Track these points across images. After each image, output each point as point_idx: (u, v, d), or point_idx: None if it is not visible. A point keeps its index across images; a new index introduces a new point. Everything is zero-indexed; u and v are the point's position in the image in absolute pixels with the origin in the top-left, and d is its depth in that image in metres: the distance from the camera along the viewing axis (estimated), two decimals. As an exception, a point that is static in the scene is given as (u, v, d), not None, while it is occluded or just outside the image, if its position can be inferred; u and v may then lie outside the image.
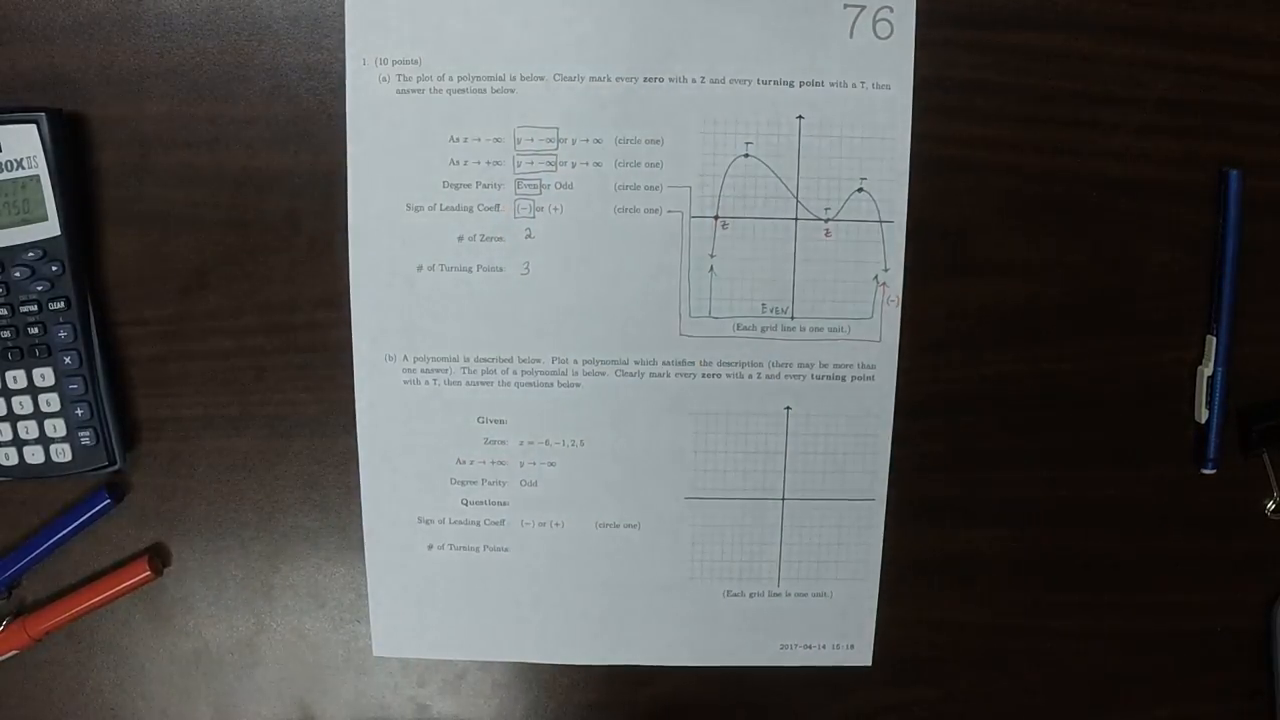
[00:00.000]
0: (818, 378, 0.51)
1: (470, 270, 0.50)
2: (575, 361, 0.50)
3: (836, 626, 0.53)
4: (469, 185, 0.49)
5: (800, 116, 0.49)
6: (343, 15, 0.48)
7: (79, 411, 0.49)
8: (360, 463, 0.51)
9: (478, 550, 0.52)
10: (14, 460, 0.49)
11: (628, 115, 0.48)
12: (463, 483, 0.52)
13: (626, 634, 0.53)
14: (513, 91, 0.48)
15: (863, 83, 0.48)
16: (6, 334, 0.48)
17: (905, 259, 0.50)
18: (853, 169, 0.49)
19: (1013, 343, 0.51)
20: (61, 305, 0.48)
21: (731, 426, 0.51)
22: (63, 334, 0.48)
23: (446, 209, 0.49)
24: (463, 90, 0.48)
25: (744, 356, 0.50)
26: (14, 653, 0.52)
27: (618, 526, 0.52)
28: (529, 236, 0.49)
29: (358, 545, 0.52)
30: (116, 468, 0.50)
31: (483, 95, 0.48)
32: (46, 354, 0.48)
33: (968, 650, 0.54)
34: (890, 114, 0.49)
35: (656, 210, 0.49)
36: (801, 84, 0.48)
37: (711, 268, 0.50)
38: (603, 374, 0.51)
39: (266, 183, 0.49)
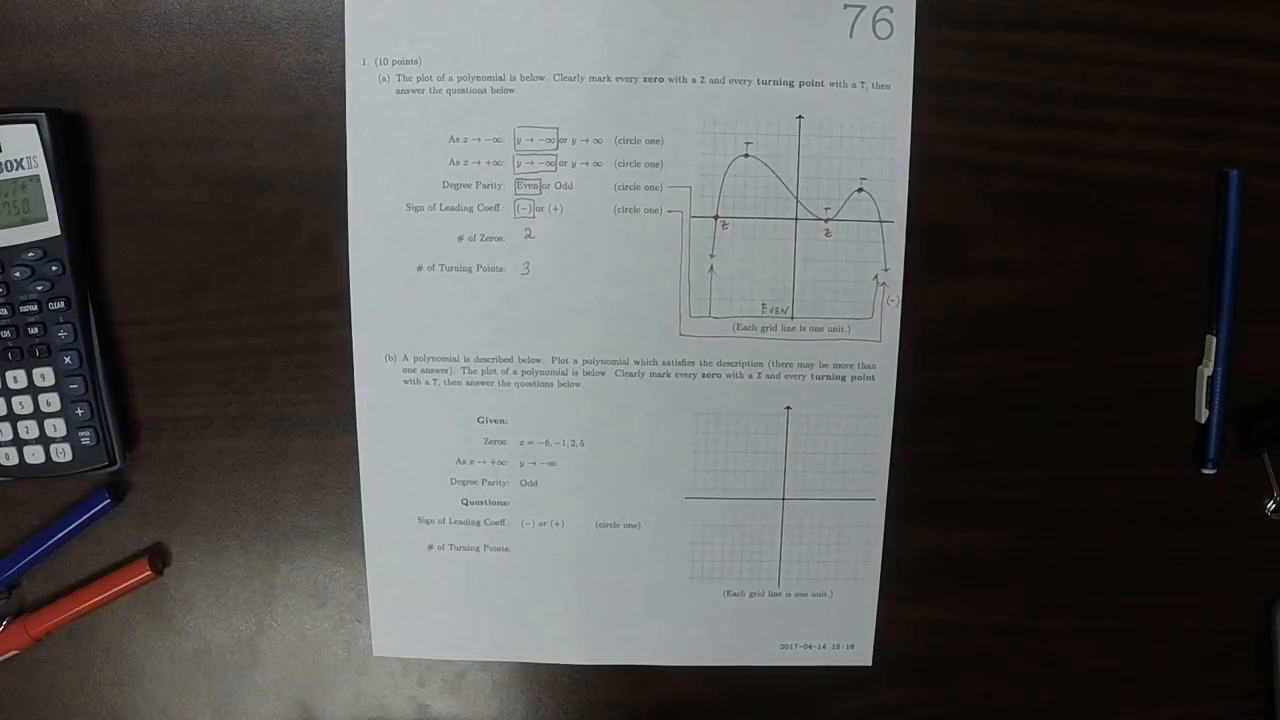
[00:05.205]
0: (818, 378, 0.51)
1: (470, 270, 0.50)
2: (575, 361, 0.50)
3: (836, 626, 0.53)
4: (469, 185, 0.49)
5: (800, 116, 0.49)
6: (343, 15, 0.48)
7: (79, 411, 0.49)
8: (360, 463, 0.51)
9: (478, 550, 0.52)
10: (14, 460, 0.49)
11: (628, 115, 0.48)
12: (463, 483, 0.52)
13: (626, 634, 0.53)
14: (513, 91, 0.48)
15: (863, 83, 0.48)
16: (6, 334, 0.48)
17: (905, 259, 0.50)
18: (853, 169, 0.49)
19: (1012, 343, 0.51)
20: (61, 305, 0.48)
21: (731, 426, 0.51)
22: (63, 334, 0.48)
23: (446, 209, 0.49)
24: (463, 90, 0.48)
25: (744, 356, 0.50)
26: (14, 653, 0.52)
27: (618, 526, 0.52)
28: (529, 236, 0.49)
29: (358, 545, 0.52)
30: (116, 468, 0.50)
31: (483, 95, 0.48)
32: (46, 354, 0.48)
33: (968, 650, 0.54)
34: (890, 114, 0.49)
35: (656, 210, 0.49)
36: (801, 84, 0.48)
37: (711, 268, 0.50)
38: (603, 374, 0.51)
39: (266, 183, 0.49)
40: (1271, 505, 0.52)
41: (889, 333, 0.50)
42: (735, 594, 0.53)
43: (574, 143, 0.49)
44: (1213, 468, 0.51)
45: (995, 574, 0.53)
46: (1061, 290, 0.50)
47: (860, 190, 0.49)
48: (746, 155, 0.49)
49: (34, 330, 0.48)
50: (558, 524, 0.52)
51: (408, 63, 0.48)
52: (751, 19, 0.48)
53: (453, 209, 0.49)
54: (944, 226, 0.50)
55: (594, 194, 0.49)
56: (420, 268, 0.50)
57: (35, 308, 0.48)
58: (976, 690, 0.54)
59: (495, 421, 0.51)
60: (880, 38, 0.48)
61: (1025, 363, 0.51)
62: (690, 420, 0.51)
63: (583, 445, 0.51)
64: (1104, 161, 0.49)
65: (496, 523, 0.52)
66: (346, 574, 0.53)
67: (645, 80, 0.48)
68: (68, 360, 0.48)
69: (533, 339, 0.50)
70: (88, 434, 0.49)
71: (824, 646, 0.53)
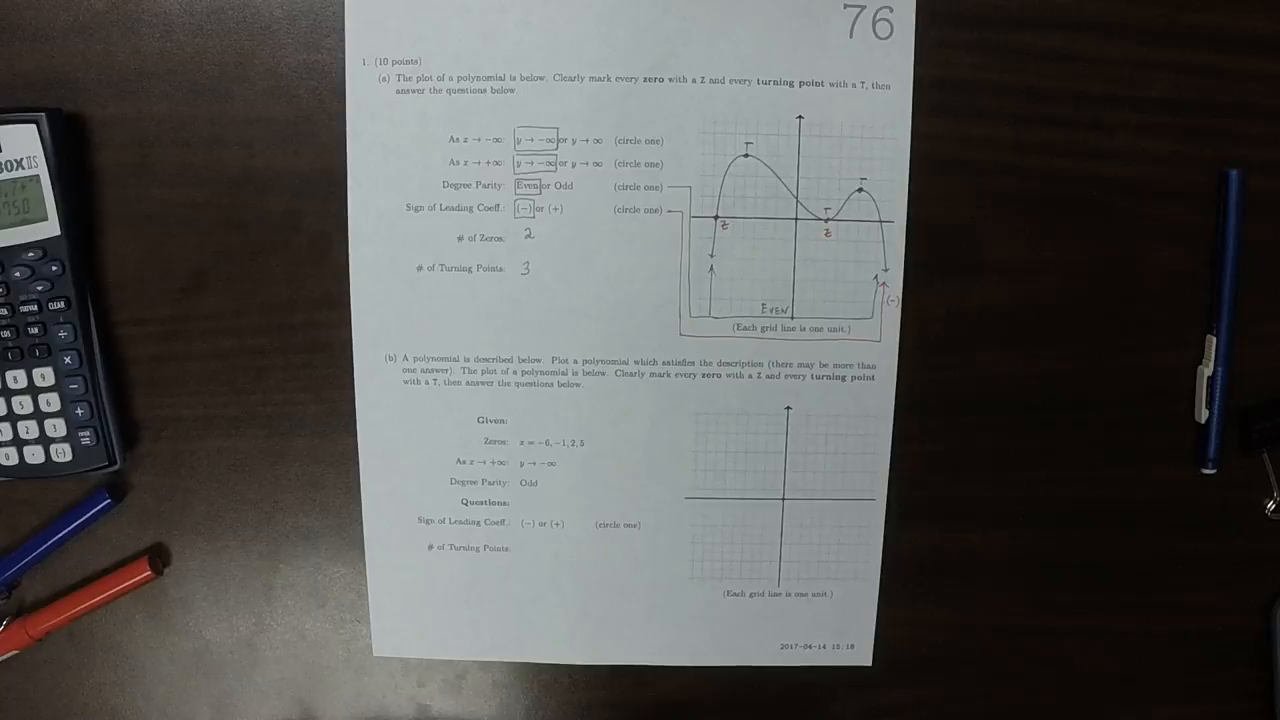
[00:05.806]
0: (818, 378, 0.51)
1: (470, 270, 0.50)
2: (575, 361, 0.50)
3: (836, 626, 0.53)
4: (469, 185, 0.49)
5: (800, 116, 0.49)
6: (343, 15, 0.48)
7: (79, 411, 0.49)
8: (360, 463, 0.51)
9: (478, 550, 0.52)
10: (14, 460, 0.49)
11: (628, 115, 0.48)
12: (463, 483, 0.52)
13: (626, 634, 0.53)
14: (513, 91, 0.48)
15: (863, 83, 0.48)
16: (6, 334, 0.48)
17: (905, 259, 0.50)
18: (853, 169, 0.49)
19: (1013, 343, 0.51)
20: (61, 305, 0.48)
21: (731, 426, 0.51)
22: (63, 334, 0.48)
23: (446, 209, 0.49)
24: (463, 90, 0.48)
25: (744, 356, 0.50)
26: (14, 653, 0.52)
27: (618, 526, 0.52)
28: (529, 236, 0.49)
29: (358, 545, 0.52)
30: (116, 468, 0.50)
31: (483, 95, 0.48)
32: (46, 354, 0.48)
33: (968, 650, 0.54)
34: (890, 114, 0.49)
35: (656, 210, 0.49)
36: (801, 84, 0.48)
37: (711, 268, 0.50)
38: (603, 374, 0.51)
39: (266, 183, 0.49)
40: (1271, 505, 0.52)
41: (889, 333, 0.50)
42: (735, 594, 0.53)
43: (574, 143, 0.49)
44: (1213, 468, 0.51)
45: (995, 574, 0.53)
46: (1061, 290, 0.50)
47: (860, 190, 0.49)
48: (746, 155, 0.49)
49: (34, 330, 0.48)
50: (558, 524, 0.52)
51: (408, 63, 0.48)
52: (751, 19, 0.48)
53: (453, 209, 0.49)
54: (944, 226, 0.50)
55: (594, 194, 0.49)
56: (420, 268, 0.50)
57: (35, 308, 0.48)
58: (976, 690, 0.54)
59: (495, 421, 0.51)
60: (880, 38, 0.48)
61: (1025, 363, 0.51)
62: (690, 420, 0.51)
63: (582, 445, 0.51)
64: (1104, 161, 0.49)
65: (496, 523, 0.52)
66: (346, 574, 0.53)
67: (645, 80, 0.48)
68: (68, 360, 0.48)
69: (533, 339, 0.50)
70: (88, 434, 0.49)
71: (824, 646, 0.53)
